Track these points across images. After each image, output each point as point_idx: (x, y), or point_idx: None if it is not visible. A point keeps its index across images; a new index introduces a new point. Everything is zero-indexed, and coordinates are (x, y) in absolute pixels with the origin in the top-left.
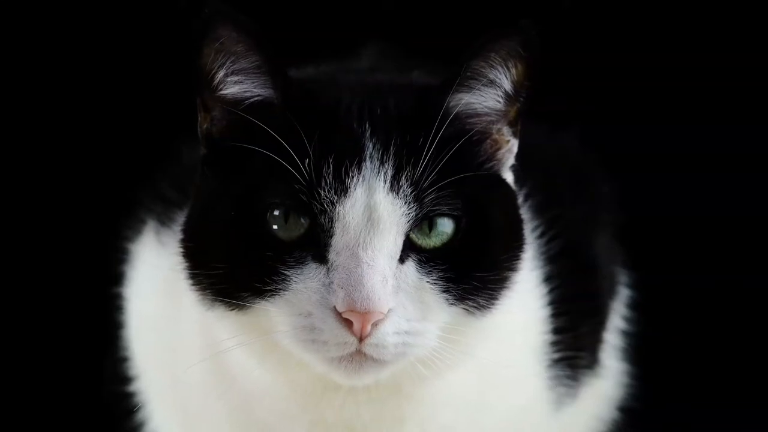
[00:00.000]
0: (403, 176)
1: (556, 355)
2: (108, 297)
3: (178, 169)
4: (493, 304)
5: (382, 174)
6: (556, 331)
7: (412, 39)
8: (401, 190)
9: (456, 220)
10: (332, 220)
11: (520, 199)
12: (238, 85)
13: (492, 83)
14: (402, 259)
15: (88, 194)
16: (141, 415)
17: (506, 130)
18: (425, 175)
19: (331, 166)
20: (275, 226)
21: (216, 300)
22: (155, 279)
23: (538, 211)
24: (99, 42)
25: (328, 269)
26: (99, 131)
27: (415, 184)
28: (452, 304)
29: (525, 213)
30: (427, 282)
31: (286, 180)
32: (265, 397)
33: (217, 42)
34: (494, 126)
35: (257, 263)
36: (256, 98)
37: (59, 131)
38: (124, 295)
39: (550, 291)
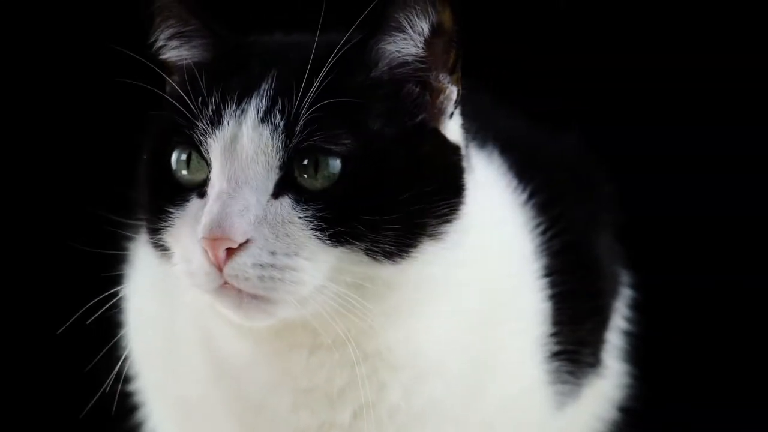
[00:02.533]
0: (277, 108)
1: (556, 348)
2: (107, 296)
3: None
4: (405, 250)
5: (255, 106)
6: (557, 324)
7: None
8: (273, 121)
9: (342, 159)
10: (207, 152)
11: (490, 171)
12: (175, 50)
13: (409, 28)
14: (277, 195)
15: (88, 193)
16: (140, 414)
17: (443, 77)
18: (302, 109)
19: (214, 102)
20: (183, 171)
21: (153, 249)
22: (154, 277)
23: (540, 210)
24: (99, 42)
25: (204, 203)
26: (99, 131)
27: (288, 116)
28: (331, 244)
29: (528, 210)
30: (298, 217)
31: (180, 121)
32: (250, 370)
33: (158, 9)
34: (428, 73)
35: (154, 204)
36: (188, 59)
37: (59, 131)
38: (123, 294)
39: (552, 286)
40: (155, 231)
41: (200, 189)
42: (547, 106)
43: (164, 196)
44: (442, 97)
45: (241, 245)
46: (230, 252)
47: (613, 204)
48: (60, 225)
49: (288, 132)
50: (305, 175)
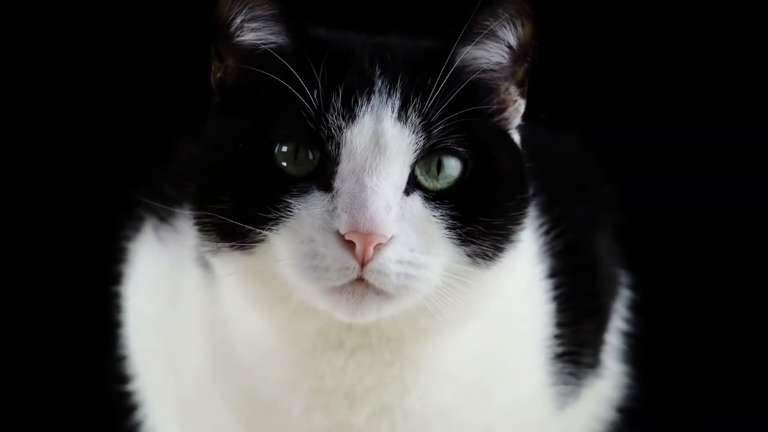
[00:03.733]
0: (411, 107)
1: (560, 349)
2: (106, 295)
3: (177, 167)
4: (497, 255)
5: (390, 104)
6: (560, 325)
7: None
8: (409, 120)
9: (463, 161)
10: (339, 146)
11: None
12: (254, 32)
13: (498, 38)
14: (408, 192)
15: (88, 193)
16: (138, 414)
17: (513, 90)
18: (434, 108)
19: (340, 95)
20: (284, 163)
21: (221, 240)
22: (154, 277)
23: (542, 210)
24: (99, 42)
25: (332, 196)
26: (98, 130)
27: (423, 116)
28: (457, 243)
29: (532, 211)
30: (433, 215)
31: (295, 111)
32: (267, 365)
33: None
34: (502, 84)
35: (262, 194)
36: (271, 45)
37: (59, 130)
38: (123, 293)
39: (555, 287)
40: (253, 222)
41: (318, 181)
42: (548, 105)
43: (272, 187)
44: (511, 109)
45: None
46: (377, 248)
47: (613, 204)
48: (60, 225)
49: (426, 132)
50: (427, 174)
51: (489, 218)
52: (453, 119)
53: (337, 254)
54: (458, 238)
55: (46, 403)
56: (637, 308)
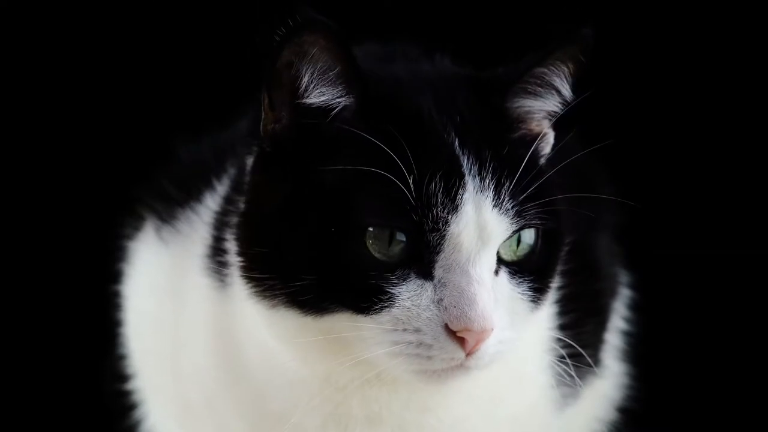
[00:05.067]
0: (504, 190)
1: (562, 352)
2: (106, 294)
3: (178, 166)
4: (547, 298)
5: (485, 190)
6: (561, 327)
7: (412, 38)
8: (503, 205)
9: (537, 230)
10: (443, 238)
11: None
12: (322, 96)
13: (554, 89)
14: (496, 272)
15: (88, 192)
16: (138, 413)
17: (546, 123)
18: (522, 189)
19: (440, 182)
20: (374, 244)
21: (290, 306)
22: (155, 276)
23: None
24: (99, 42)
25: (435, 286)
26: (98, 130)
27: (514, 198)
28: (535, 309)
29: None
30: (518, 293)
31: (393, 198)
32: (281, 385)
33: (302, 48)
34: (544, 122)
35: (357, 280)
36: (338, 107)
37: (59, 130)
38: (123, 292)
39: (557, 289)
40: (346, 305)
41: (415, 267)
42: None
43: (369, 276)
44: (544, 141)
45: None
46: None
47: (613, 204)
48: (60, 224)
49: (518, 215)
50: (507, 249)
51: (553, 278)
52: (531, 196)
53: (445, 347)
54: (537, 306)
55: (46, 402)
56: (637, 308)
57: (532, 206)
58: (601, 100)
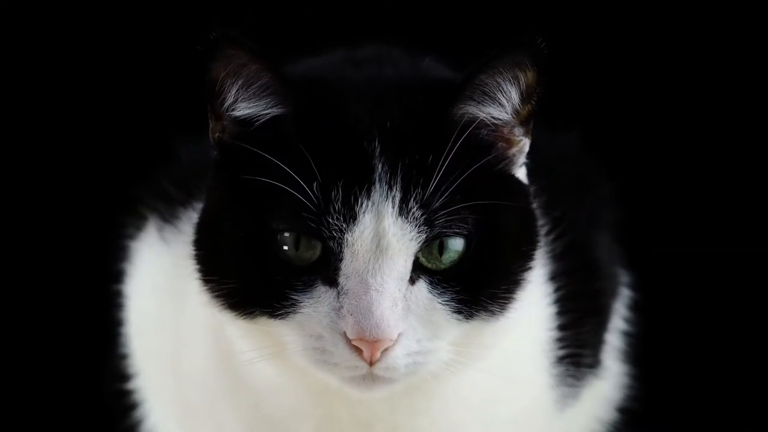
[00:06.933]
0: (412, 199)
1: (561, 353)
2: (108, 294)
3: (178, 166)
4: (507, 308)
5: (390, 199)
6: (560, 328)
7: (413, 39)
8: (411, 214)
9: (467, 238)
10: (341, 246)
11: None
12: (248, 109)
13: (501, 95)
14: (412, 280)
15: (88, 192)
16: (138, 413)
17: (518, 131)
18: (436, 197)
19: (340, 191)
20: (286, 249)
21: (226, 309)
22: (156, 276)
23: (543, 211)
24: (99, 42)
25: (338, 292)
26: (98, 129)
27: (424, 206)
28: (464, 320)
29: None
30: (439, 303)
31: (294, 205)
32: (275, 394)
33: (228, 63)
34: (504, 129)
35: (268, 285)
36: (265, 117)
37: (59, 130)
38: (124, 292)
39: (556, 289)
40: (256, 304)
41: (322, 273)
42: (548, 105)
43: (277, 282)
44: (515, 150)
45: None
46: (384, 350)
47: (613, 204)
48: (59, 222)
49: (428, 224)
50: (429, 257)
51: (496, 288)
52: (450, 202)
53: (345, 354)
54: (465, 317)
55: (47, 402)
56: (637, 308)
57: (445, 214)
58: (600, 100)
